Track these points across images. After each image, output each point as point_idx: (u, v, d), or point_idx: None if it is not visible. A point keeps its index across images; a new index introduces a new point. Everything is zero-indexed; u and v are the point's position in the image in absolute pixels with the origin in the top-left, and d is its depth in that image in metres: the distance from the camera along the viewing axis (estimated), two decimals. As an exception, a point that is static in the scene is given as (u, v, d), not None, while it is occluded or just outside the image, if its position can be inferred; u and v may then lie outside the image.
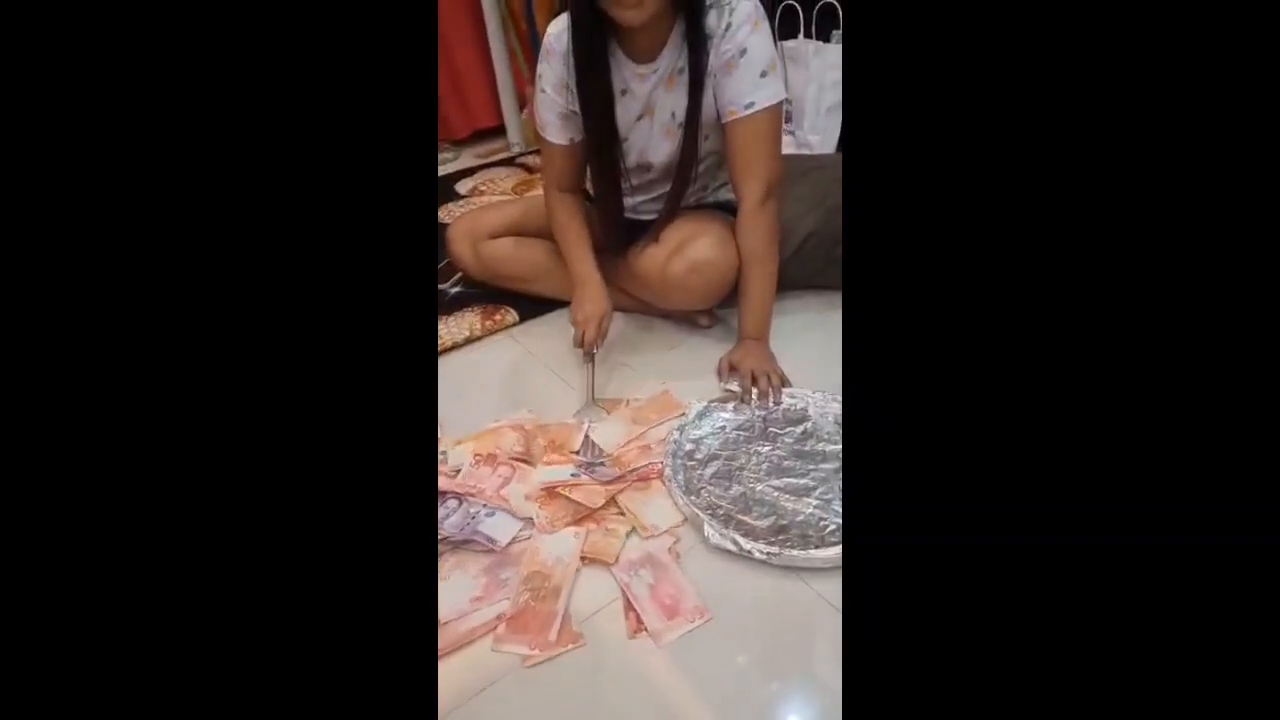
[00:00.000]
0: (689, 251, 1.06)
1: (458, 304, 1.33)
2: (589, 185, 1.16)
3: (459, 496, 0.90)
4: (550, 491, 0.89)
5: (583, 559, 0.82)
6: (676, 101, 1.01)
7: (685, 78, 0.98)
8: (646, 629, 0.75)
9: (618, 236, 1.16)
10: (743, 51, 0.94)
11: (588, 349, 1.06)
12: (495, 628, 0.76)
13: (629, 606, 0.77)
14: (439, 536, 0.85)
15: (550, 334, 1.24)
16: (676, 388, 1.07)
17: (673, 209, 1.11)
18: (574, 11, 0.94)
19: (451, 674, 0.72)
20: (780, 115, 1.01)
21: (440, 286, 1.41)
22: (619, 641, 0.74)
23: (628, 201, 1.15)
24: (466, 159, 2.15)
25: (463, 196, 1.87)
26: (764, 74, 0.96)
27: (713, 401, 1.01)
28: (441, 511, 0.88)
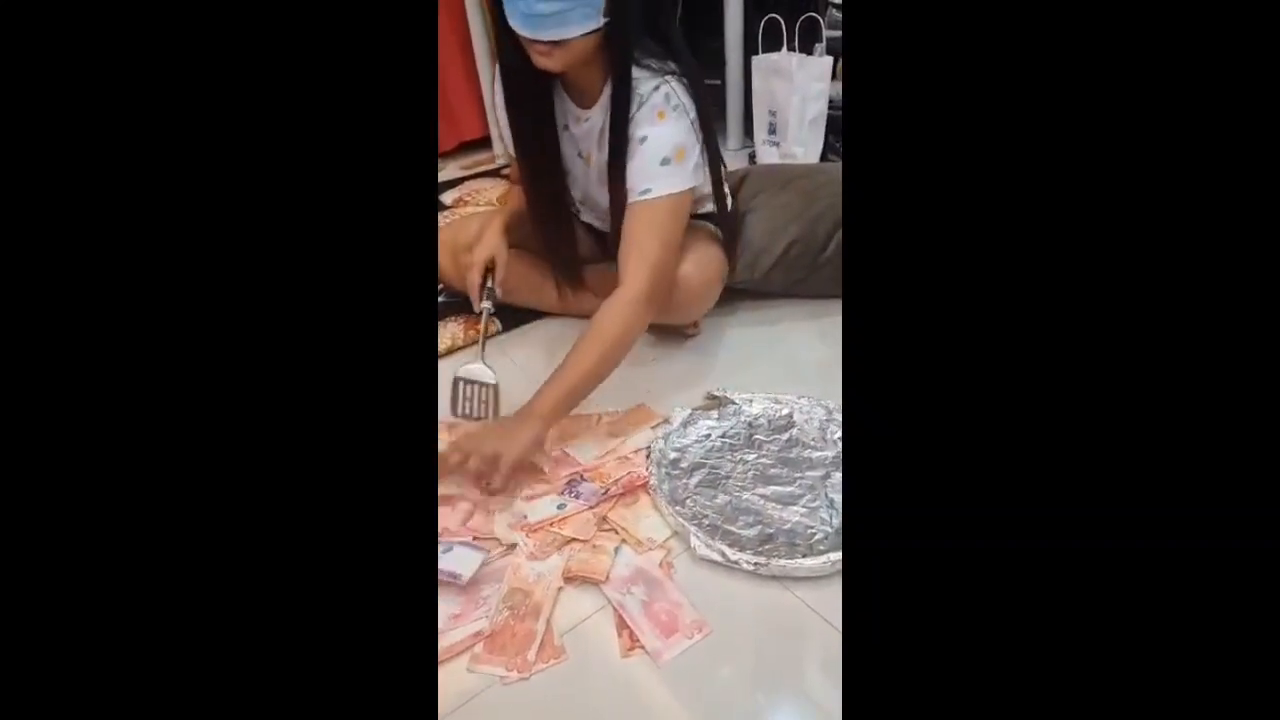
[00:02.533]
0: (681, 267, 1.04)
1: (440, 313, 1.31)
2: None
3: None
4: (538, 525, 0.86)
5: (571, 577, 0.79)
6: (604, 156, 0.99)
7: None
8: (643, 647, 0.72)
9: (567, 267, 1.13)
10: (643, 139, 0.93)
11: (474, 295, 1.03)
12: (473, 646, 0.73)
13: (622, 625, 0.74)
14: None
15: (533, 344, 1.22)
16: (660, 397, 1.05)
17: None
18: (500, 42, 0.92)
19: (427, 693, 0.70)
20: (681, 207, 0.96)
21: (422, 296, 1.39)
22: (605, 655, 0.72)
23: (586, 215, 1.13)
24: (452, 170, 2.13)
25: (448, 207, 1.86)
26: (665, 161, 0.92)
27: (696, 410, 0.99)
28: None
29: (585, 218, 1.14)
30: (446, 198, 1.91)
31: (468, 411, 0.96)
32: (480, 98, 2.12)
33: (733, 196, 1.23)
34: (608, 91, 0.94)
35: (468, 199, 1.90)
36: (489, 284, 1.05)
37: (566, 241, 1.11)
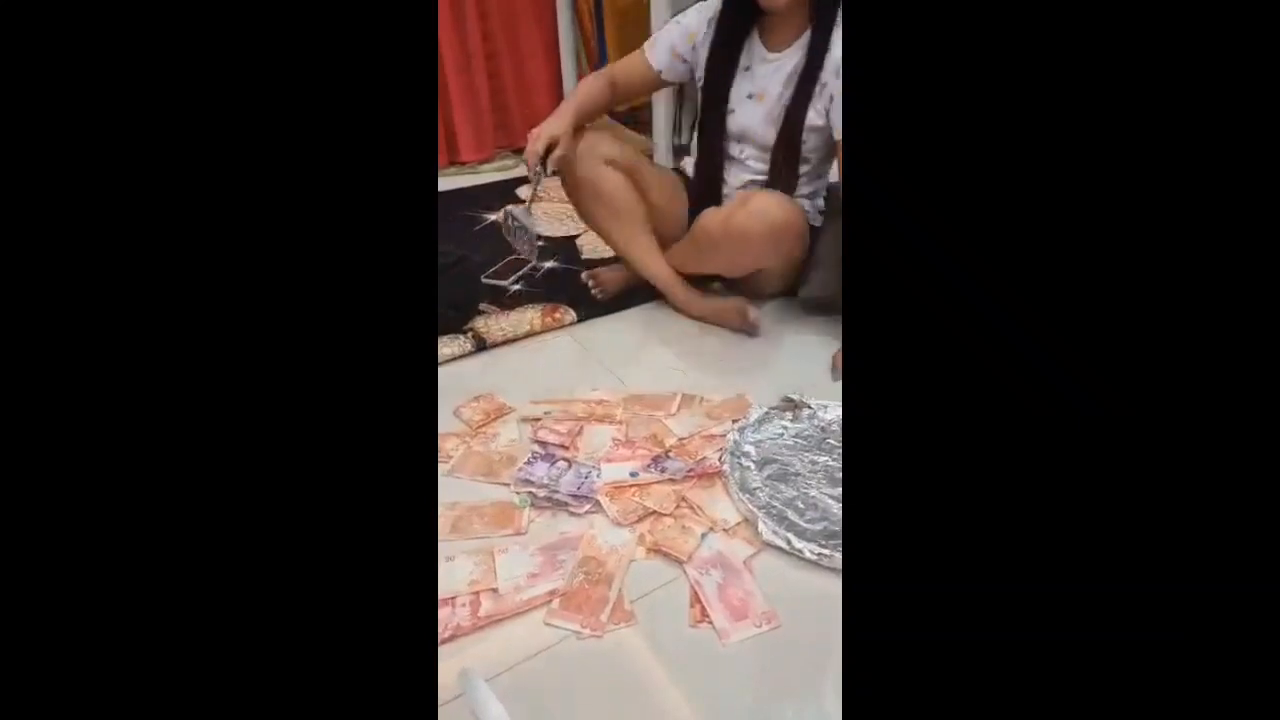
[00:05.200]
0: (753, 204, 1.13)
1: (518, 300, 1.38)
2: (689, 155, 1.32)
3: (567, 458, 0.94)
4: (620, 487, 0.92)
5: (655, 550, 0.84)
6: (788, 95, 1.14)
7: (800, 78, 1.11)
8: (711, 623, 0.76)
9: (709, 194, 1.28)
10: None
11: (530, 163, 1.19)
12: (549, 602, 0.78)
13: (695, 599, 0.79)
14: (549, 494, 0.91)
15: (606, 334, 1.28)
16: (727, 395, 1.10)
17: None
18: None
19: (504, 640, 0.75)
20: None
21: (502, 282, 1.46)
22: (673, 623, 0.76)
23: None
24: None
25: (523, 201, 1.94)
26: None
27: (772, 409, 1.03)
28: (553, 470, 0.92)
29: (733, 152, 1.25)
30: (523, 192, 1.99)
31: (511, 239, 1.28)
32: (561, 100, 2.20)
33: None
34: (804, 38, 1.11)
35: (542, 195, 1.97)
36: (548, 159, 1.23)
37: (715, 169, 1.27)
